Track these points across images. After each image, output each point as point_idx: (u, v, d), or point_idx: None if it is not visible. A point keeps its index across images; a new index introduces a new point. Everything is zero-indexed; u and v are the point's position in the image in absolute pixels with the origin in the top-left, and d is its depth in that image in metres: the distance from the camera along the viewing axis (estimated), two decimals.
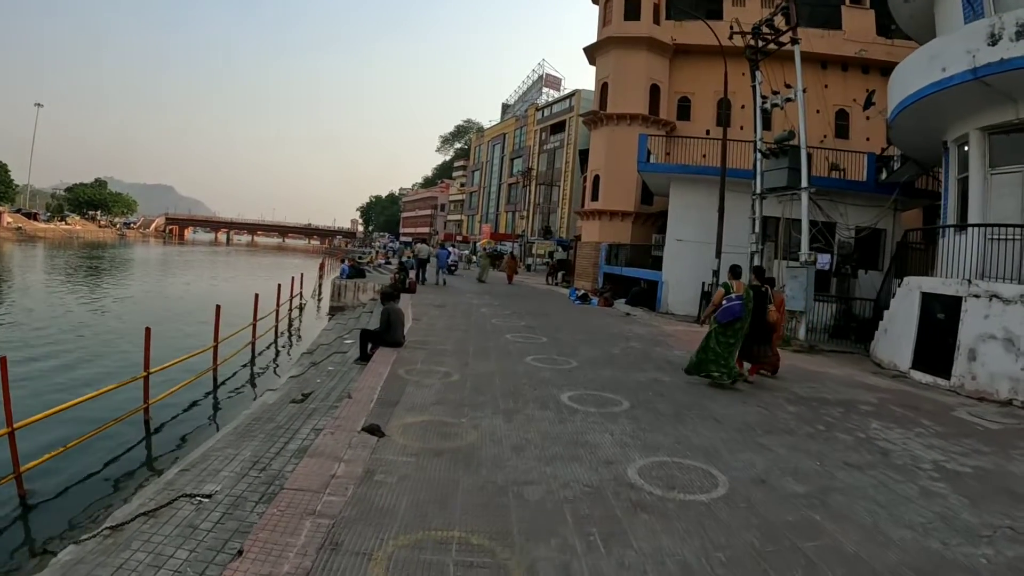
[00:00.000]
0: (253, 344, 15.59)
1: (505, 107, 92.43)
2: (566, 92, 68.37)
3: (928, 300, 11.87)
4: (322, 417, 6.62)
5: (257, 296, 16.17)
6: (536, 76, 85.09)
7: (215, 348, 12.27)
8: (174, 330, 17.82)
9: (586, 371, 9.50)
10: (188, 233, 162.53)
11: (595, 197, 29.73)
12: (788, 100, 17.92)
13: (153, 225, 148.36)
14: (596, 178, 29.85)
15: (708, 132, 28.02)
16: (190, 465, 5.56)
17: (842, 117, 28.65)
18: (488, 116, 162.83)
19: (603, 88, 30.27)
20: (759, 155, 18.57)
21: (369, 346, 10.12)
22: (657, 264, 24.80)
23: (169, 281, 36.59)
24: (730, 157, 21.46)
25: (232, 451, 5.78)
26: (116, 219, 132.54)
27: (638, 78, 29.16)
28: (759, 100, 18.85)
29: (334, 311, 24.40)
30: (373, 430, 5.84)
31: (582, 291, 24.17)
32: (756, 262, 17.90)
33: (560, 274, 34.39)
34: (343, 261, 27.10)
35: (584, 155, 34.72)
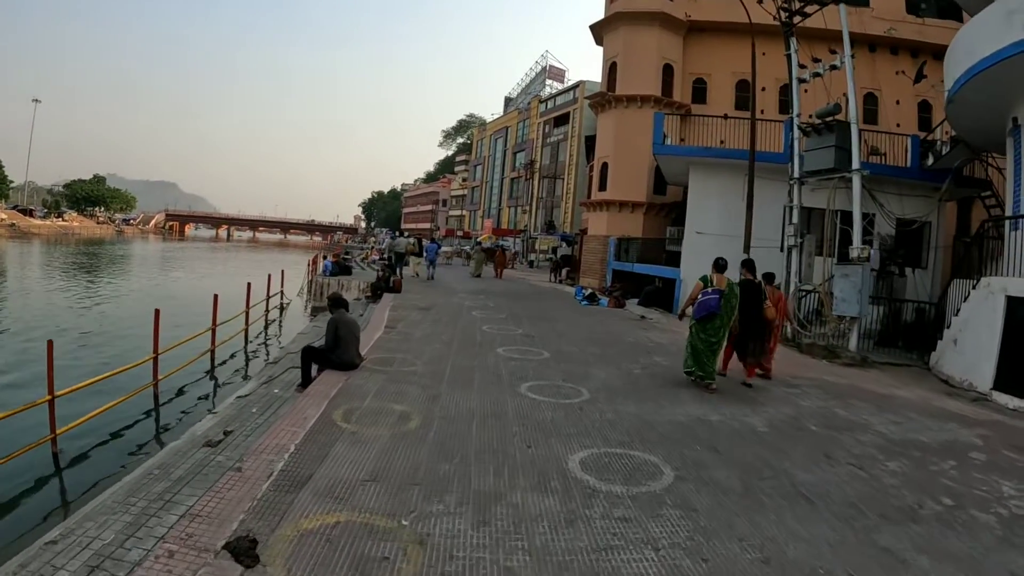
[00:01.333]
0: (212, 352, 13.28)
1: (508, 100, 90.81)
2: (570, 83, 66.88)
3: (1017, 306, 9.41)
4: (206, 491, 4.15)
5: (216, 297, 13.70)
6: (539, 68, 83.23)
7: (155, 359, 9.94)
8: (119, 336, 15.45)
9: (602, 406, 6.99)
10: (189, 230, 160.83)
11: (603, 187, 27.15)
12: (833, 68, 15.39)
13: (152, 222, 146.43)
14: (604, 166, 27.26)
15: (726, 116, 25.42)
16: (57, 538, 3.66)
17: (871, 101, 26.01)
18: (491, 110, 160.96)
19: (611, 68, 27.66)
20: (797, 134, 16.04)
21: (315, 368, 7.62)
22: (673, 260, 22.29)
23: (143, 279, 34.15)
24: (761, 131, 19.06)
25: (90, 533, 3.70)
26: (115, 215, 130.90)
27: (649, 57, 26.57)
28: (795, 71, 16.35)
29: (316, 311, 22.23)
30: (240, 550, 3.33)
31: (589, 290, 21.66)
32: (795, 258, 15.56)
33: (564, 271, 31.84)
34: (325, 257, 24.51)
35: (590, 142, 32.11)
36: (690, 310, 8.50)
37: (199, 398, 10.89)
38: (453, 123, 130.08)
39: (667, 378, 8.90)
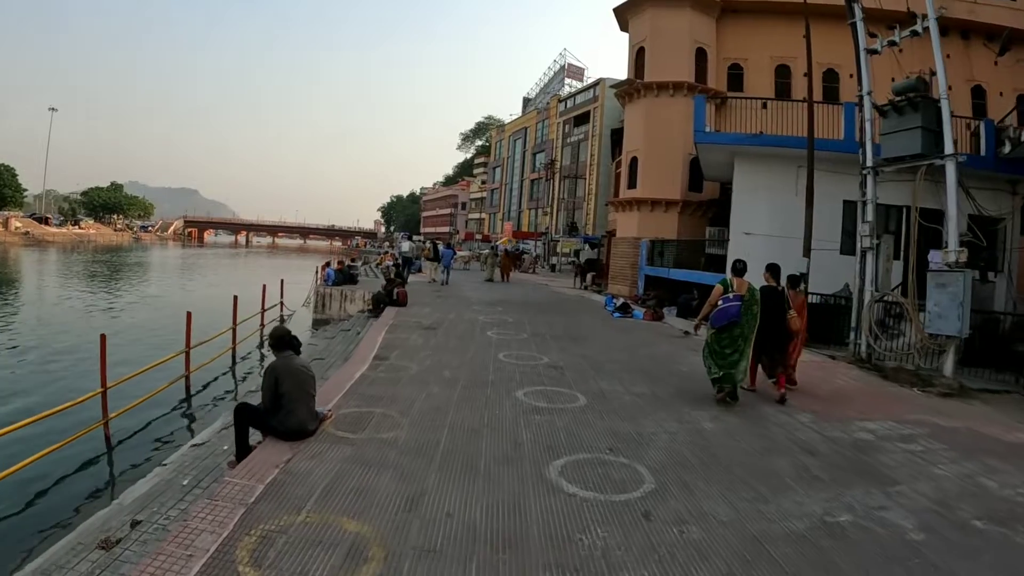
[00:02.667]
0: (187, 378, 11.31)
1: (526, 101, 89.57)
2: (590, 82, 65.18)
3: None
4: None
5: (189, 315, 11.60)
6: (558, 67, 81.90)
7: (103, 393, 8.12)
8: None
9: (676, 506, 4.49)
10: (208, 236, 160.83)
11: (632, 184, 24.62)
12: (913, 34, 12.85)
13: (171, 228, 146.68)
14: (633, 161, 24.73)
15: (765, 104, 22.73)
16: None
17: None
18: (509, 111, 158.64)
19: (638, 54, 25.12)
20: (869, 114, 13.54)
21: (258, 431, 5.28)
22: (714, 264, 19.77)
23: (144, 288, 32.22)
24: (798, 128, 16.79)
25: None
26: (132, 222, 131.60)
27: (681, 41, 24.02)
28: (863, 40, 13.87)
29: (318, 324, 20.01)
30: None
31: (620, 299, 19.19)
32: (871, 262, 13.07)
33: (590, 276, 29.33)
34: (328, 264, 22.26)
35: (617, 136, 29.54)
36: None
37: (156, 441, 8.90)
38: (471, 125, 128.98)
39: (749, 437, 6.41)
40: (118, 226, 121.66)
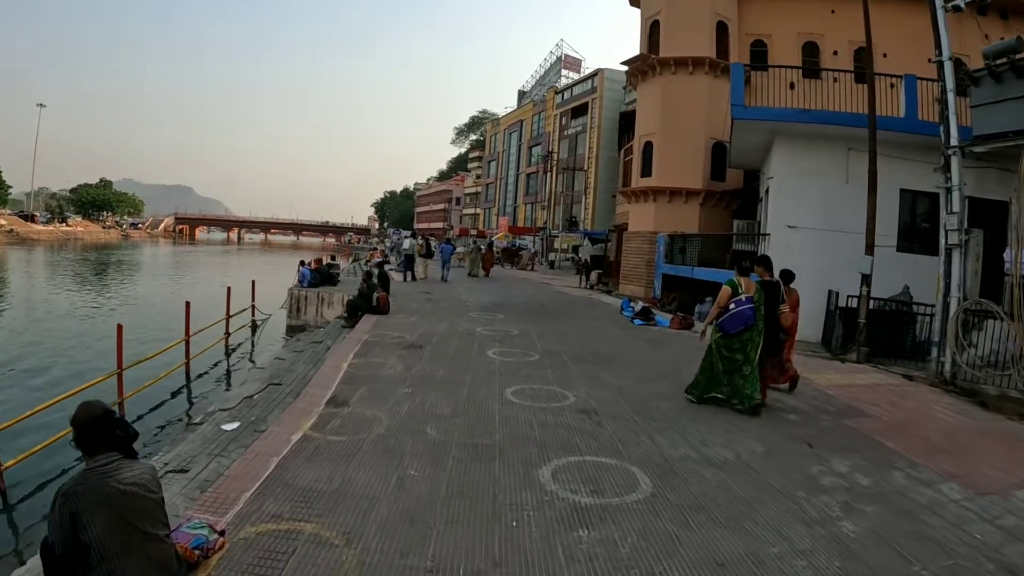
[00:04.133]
0: (120, 405, 8.94)
1: (521, 94, 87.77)
2: (588, 72, 63.22)
3: None
4: None
5: (120, 329, 9.25)
6: (554, 58, 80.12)
7: None
8: None
9: None
10: (200, 233, 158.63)
11: (646, 171, 22.00)
12: None
13: (162, 225, 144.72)
14: (647, 146, 22.11)
15: (792, 85, 20.10)
16: None
17: (959, 66, 20.81)
18: (504, 104, 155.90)
19: (652, 28, 22.47)
20: (951, 84, 11.11)
21: None
22: (740, 261, 17.24)
23: (115, 289, 29.56)
24: (840, 103, 14.59)
25: None
26: (122, 219, 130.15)
27: (700, 12, 21.39)
28: None
29: (292, 331, 17.52)
30: None
31: (639, 303, 16.67)
32: (956, 261, 10.62)
33: (596, 274, 26.75)
34: (303, 263, 19.65)
35: (627, 120, 26.80)
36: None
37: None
38: (466, 120, 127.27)
39: (912, 543, 3.87)
40: (107, 224, 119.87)
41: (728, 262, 17.94)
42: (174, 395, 11.35)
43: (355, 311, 13.01)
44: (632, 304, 16.65)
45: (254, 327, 19.41)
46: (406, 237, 25.58)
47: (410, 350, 9.34)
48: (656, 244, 20.47)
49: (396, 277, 25.12)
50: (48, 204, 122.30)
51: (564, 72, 74.86)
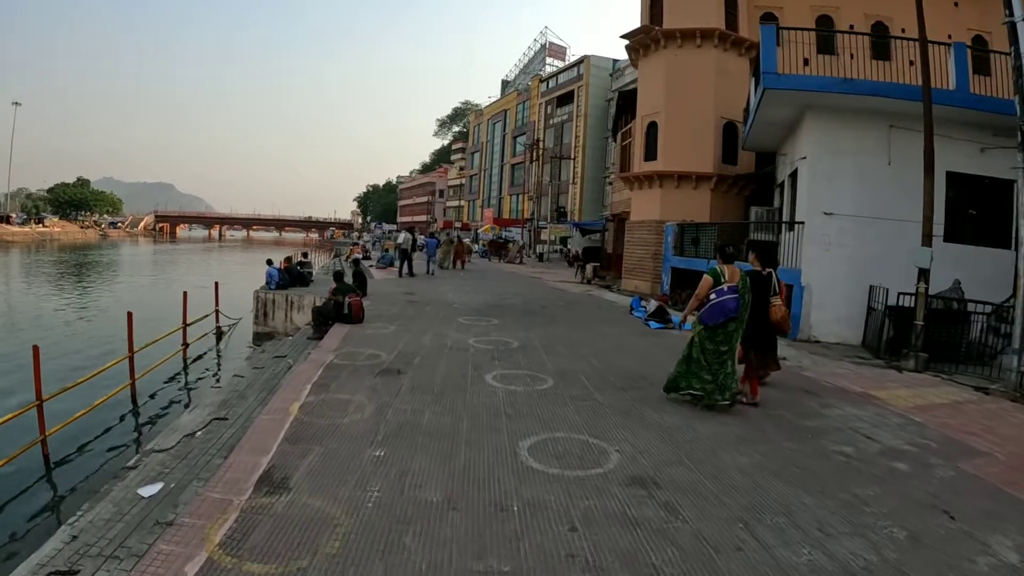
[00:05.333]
0: (43, 444, 7.41)
1: (505, 84, 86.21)
2: (574, 59, 61.86)
3: None
4: None
5: (36, 350, 7.46)
6: (538, 46, 79.00)
7: None
8: None
9: None
10: (181, 230, 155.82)
11: (651, 155, 20.00)
12: None
13: (142, 223, 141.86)
14: (651, 127, 20.10)
15: (807, 61, 18.13)
16: None
17: (981, 44, 19.10)
18: (488, 94, 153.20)
19: None
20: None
21: None
22: (765, 253, 15.36)
23: (70, 294, 27.24)
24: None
25: None
26: (100, 218, 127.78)
27: None
28: None
29: (260, 339, 15.54)
30: None
31: (650, 302, 14.70)
32: None
33: (591, 268, 24.77)
34: (270, 262, 17.51)
35: (627, 100, 24.66)
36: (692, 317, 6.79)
37: None
38: (448, 111, 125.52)
39: None
40: (86, 223, 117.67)
41: (744, 253, 16.09)
42: (108, 430, 9.29)
43: (324, 319, 10.96)
44: (643, 303, 14.69)
45: (219, 335, 17.30)
46: (400, 232, 24.32)
47: (386, 378, 7.24)
48: (663, 234, 18.51)
49: (378, 274, 23.16)
50: (24, 205, 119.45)
51: (549, 60, 73.90)
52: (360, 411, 5.83)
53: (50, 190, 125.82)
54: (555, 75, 63.37)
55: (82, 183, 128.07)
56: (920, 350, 9.97)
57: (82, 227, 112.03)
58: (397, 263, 23.16)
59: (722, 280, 6.51)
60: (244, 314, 17.79)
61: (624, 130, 25.04)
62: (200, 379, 13.15)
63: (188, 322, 14.81)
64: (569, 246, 46.52)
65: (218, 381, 11.95)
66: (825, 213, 12.47)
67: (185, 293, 14.79)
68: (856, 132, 12.57)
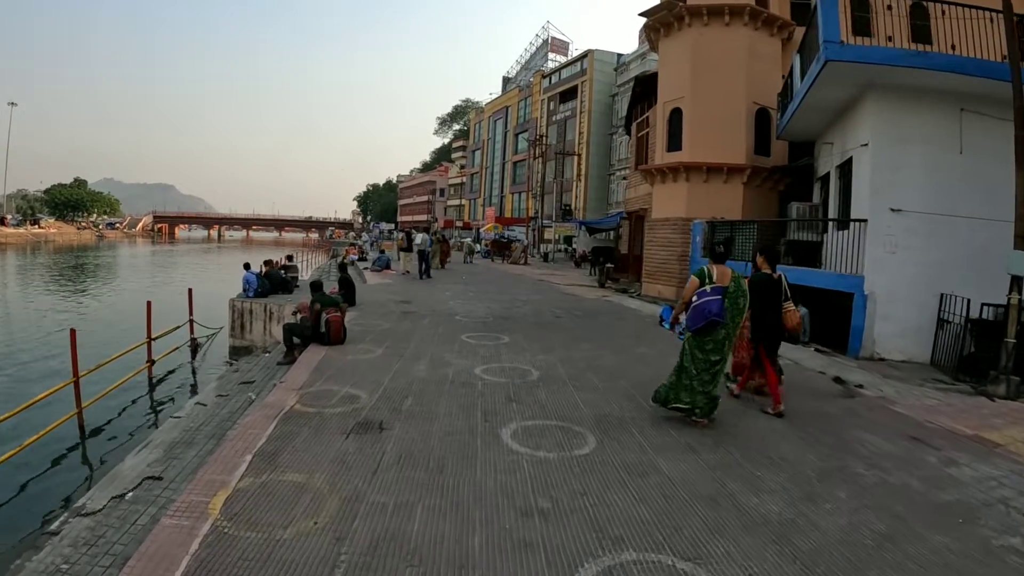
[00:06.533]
0: None
1: (506, 80, 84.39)
2: (577, 54, 60.28)
3: None
4: None
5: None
6: (540, 41, 77.10)
7: None
8: None
9: None
10: (180, 231, 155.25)
11: (674, 145, 17.94)
12: None
13: (140, 224, 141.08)
14: (674, 114, 18.04)
15: (842, 43, 16.04)
16: None
17: None
18: (489, 90, 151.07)
19: None
20: None
21: None
22: (803, 256, 13.42)
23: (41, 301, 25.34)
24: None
25: None
26: (97, 219, 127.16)
27: None
28: None
29: (236, 354, 13.75)
30: None
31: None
32: None
33: (606, 269, 22.76)
34: (247, 268, 15.56)
35: (646, 86, 22.56)
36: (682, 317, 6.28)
37: None
38: (448, 109, 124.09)
39: None
40: (83, 224, 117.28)
41: (781, 256, 14.16)
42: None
43: (300, 339, 8.99)
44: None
45: (195, 347, 15.37)
46: (419, 233, 23.10)
47: (362, 438, 5.15)
48: (690, 234, 16.49)
49: (372, 279, 21.26)
50: (19, 206, 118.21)
51: (551, 56, 72.04)
52: (315, 511, 3.77)
53: (47, 191, 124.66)
54: (558, 70, 61.95)
55: (79, 184, 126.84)
56: (1011, 372, 8.15)
57: (78, 228, 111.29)
58: (415, 263, 22.12)
59: (708, 281, 5.90)
60: (227, 323, 15.93)
61: (640, 120, 22.96)
62: (161, 407, 11.21)
63: (160, 334, 13.02)
64: (574, 246, 44.70)
65: (180, 409, 10.06)
66: (892, 210, 10.54)
67: (149, 303, 12.87)
68: (923, 116, 10.72)
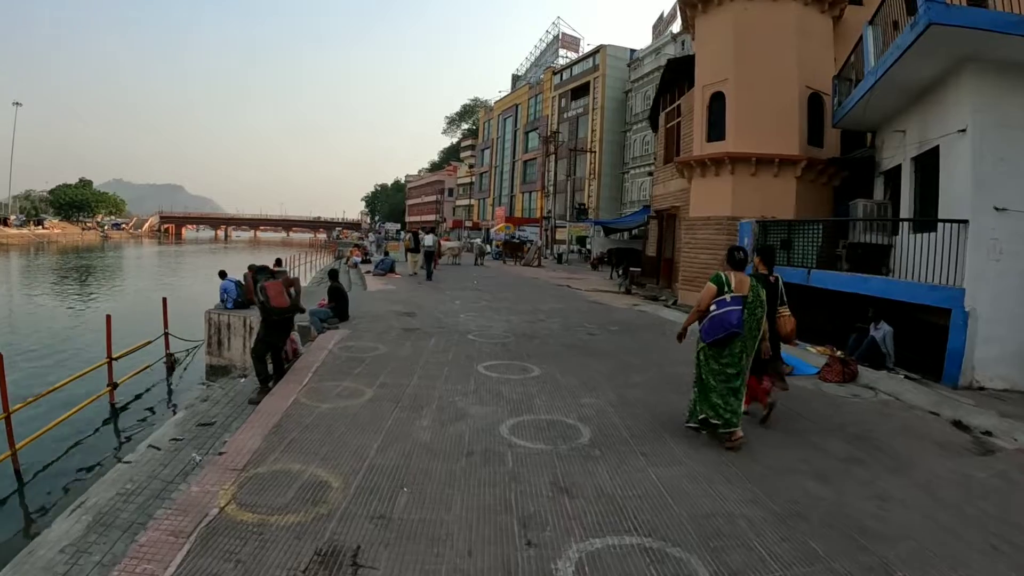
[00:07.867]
0: None
1: (516, 78, 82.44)
2: (589, 49, 58.41)
3: None
4: None
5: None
6: (551, 37, 75.06)
7: None
8: None
9: None
10: (187, 231, 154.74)
11: (716, 134, 15.77)
12: None
13: (146, 225, 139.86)
14: (715, 99, 15.87)
15: (895, 24, 13.83)
16: None
17: None
18: (498, 88, 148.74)
19: None
20: None
21: None
22: (862, 262, 11.21)
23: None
24: None
25: None
26: (103, 220, 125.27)
27: None
28: None
29: (214, 374, 12.24)
30: None
31: None
32: None
33: (631, 273, 20.62)
34: (223, 275, 13.57)
35: (681, 68, 20.23)
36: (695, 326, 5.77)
37: None
38: (457, 108, 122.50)
39: None
40: (88, 225, 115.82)
41: (843, 260, 12.05)
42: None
43: (271, 365, 7.02)
44: None
45: (171, 365, 13.45)
46: (427, 234, 22.53)
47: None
48: (737, 235, 14.36)
49: (373, 284, 19.30)
50: (23, 206, 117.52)
51: (562, 52, 70.24)
52: None
53: (51, 191, 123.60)
54: (569, 67, 60.19)
55: (84, 184, 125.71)
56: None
57: (83, 229, 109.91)
58: (421, 265, 21.75)
59: (727, 288, 5.44)
60: (204, 338, 13.97)
61: (670, 109, 20.79)
62: (124, 441, 9.30)
63: (125, 351, 11.18)
64: (589, 246, 42.76)
65: (133, 452, 8.10)
66: (996, 208, 8.47)
67: (108, 316, 10.93)
68: None
